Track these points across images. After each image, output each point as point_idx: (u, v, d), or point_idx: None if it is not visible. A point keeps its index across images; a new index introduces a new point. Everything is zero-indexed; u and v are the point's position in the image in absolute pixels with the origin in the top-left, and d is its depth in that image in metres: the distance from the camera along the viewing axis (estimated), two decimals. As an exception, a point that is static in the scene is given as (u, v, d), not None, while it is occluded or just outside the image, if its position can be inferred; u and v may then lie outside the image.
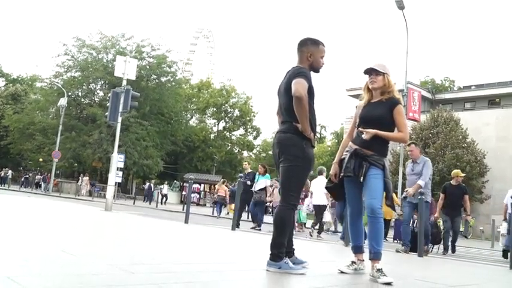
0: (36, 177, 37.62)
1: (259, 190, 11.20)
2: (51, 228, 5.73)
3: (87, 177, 32.82)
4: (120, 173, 16.37)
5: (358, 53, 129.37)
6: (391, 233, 14.55)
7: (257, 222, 11.42)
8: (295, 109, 3.47)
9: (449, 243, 9.47)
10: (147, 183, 37.20)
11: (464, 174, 9.73)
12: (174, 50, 51.95)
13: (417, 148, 7.89)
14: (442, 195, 9.43)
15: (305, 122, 3.49)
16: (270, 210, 12.85)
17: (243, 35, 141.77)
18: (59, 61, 36.59)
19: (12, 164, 45.83)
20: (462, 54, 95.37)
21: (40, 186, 35.12)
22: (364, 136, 3.69)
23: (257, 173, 11.62)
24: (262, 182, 11.30)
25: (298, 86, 3.45)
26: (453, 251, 9.50)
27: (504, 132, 30.29)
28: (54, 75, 37.25)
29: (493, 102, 36.34)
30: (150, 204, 27.60)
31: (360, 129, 3.77)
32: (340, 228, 12.02)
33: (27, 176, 38.62)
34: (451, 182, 9.55)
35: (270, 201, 12.09)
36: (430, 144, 29.27)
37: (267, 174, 11.60)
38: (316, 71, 3.78)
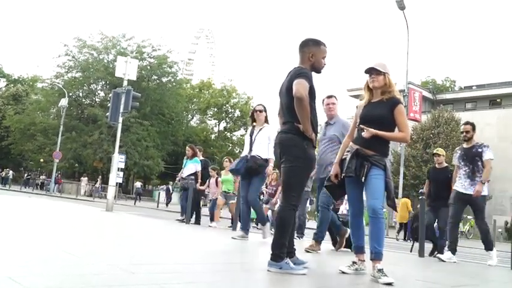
0: (41, 177, 37.53)
1: (187, 176, 9.88)
2: (52, 229, 5.73)
3: (87, 178, 32.84)
4: (121, 174, 16.42)
5: (359, 53, 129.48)
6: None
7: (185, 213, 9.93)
8: (296, 110, 3.47)
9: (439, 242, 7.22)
10: (140, 183, 36.76)
11: (437, 151, 7.53)
12: (175, 51, 51.99)
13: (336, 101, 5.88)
14: (426, 182, 7.58)
15: (306, 123, 3.49)
16: (206, 202, 11.14)
17: (244, 35, 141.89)
18: (60, 62, 36.80)
19: (13, 164, 45.88)
20: (463, 55, 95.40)
21: (43, 186, 35.00)
22: (364, 134, 3.69)
23: (185, 157, 10.34)
24: (190, 166, 9.98)
25: (299, 87, 3.45)
26: (440, 251, 6.94)
27: (505, 133, 30.25)
28: (55, 76, 37.38)
29: (494, 102, 36.34)
30: (167, 206, 26.30)
31: (361, 126, 3.77)
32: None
33: (29, 176, 38.61)
34: (435, 165, 7.61)
35: (202, 190, 10.26)
36: (431, 145, 29.26)
37: (196, 158, 10.09)
38: (318, 71, 3.77)
